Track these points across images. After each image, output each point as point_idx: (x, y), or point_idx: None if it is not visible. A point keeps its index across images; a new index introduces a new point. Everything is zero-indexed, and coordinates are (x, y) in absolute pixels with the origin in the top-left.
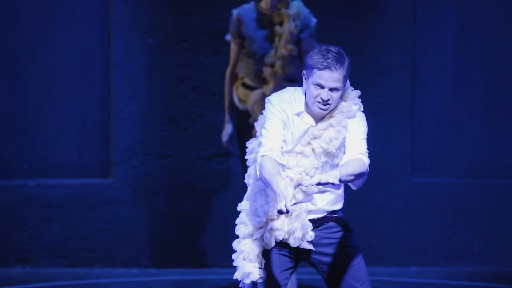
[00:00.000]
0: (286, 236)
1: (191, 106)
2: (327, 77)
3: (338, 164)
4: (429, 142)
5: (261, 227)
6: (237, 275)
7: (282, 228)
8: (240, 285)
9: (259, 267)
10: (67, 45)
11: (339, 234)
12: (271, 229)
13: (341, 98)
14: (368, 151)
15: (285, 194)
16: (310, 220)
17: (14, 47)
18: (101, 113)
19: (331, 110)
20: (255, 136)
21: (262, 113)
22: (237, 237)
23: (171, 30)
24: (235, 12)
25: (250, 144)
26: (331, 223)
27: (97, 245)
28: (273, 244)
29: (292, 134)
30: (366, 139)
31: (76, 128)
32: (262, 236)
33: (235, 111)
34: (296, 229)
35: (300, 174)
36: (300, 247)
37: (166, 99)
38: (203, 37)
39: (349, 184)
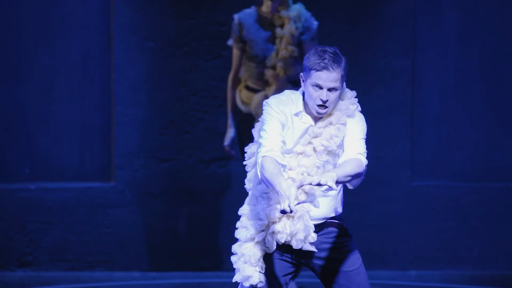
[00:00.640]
0: (289, 239)
1: (192, 110)
2: (325, 77)
3: None
4: (429, 146)
5: (262, 230)
6: (236, 278)
7: (284, 230)
8: None
9: (260, 271)
10: (68, 49)
11: (339, 239)
12: (273, 232)
13: (339, 97)
14: (366, 151)
15: (288, 194)
16: None
17: (15, 51)
18: (102, 117)
19: None
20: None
21: None
22: (238, 240)
23: (172, 34)
24: (236, 17)
25: (249, 149)
26: (330, 228)
27: (98, 249)
28: (275, 247)
29: (292, 135)
30: (365, 140)
31: (77, 132)
32: (264, 239)
33: (238, 115)
34: (298, 231)
35: (302, 174)
36: (303, 249)
37: (166, 103)
38: (204, 41)
39: (346, 183)
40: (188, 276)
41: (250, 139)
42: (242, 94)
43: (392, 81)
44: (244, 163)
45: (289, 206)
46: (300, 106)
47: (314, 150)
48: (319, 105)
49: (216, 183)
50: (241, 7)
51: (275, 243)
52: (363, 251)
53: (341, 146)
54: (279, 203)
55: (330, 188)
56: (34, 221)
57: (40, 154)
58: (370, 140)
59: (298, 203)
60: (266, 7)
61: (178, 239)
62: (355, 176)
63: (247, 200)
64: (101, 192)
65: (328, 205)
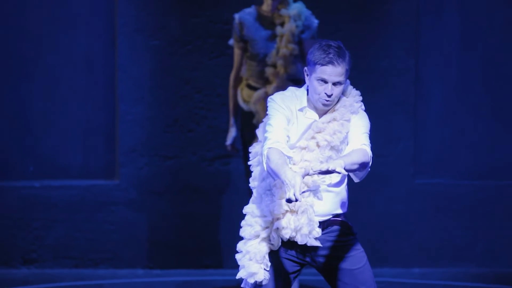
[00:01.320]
0: (293, 234)
1: (196, 108)
2: (330, 71)
3: None
4: (432, 144)
5: (267, 227)
6: (241, 274)
7: (288, 226)
8: (242, 285)
9: (265, 269)
10: (73, 48)
11: (343, 238)
12: (277, 229)
13: (343, 94)
14: (370, 145)
15: (294, 183)
16: None
17: (20, 50)
18: (106, 115)
19: (334, 105)
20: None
21: (265, 113)
22: (242, 239)
23: (176, 33)
24: (236, 16)
25: (253, 148)
26: (335, 227)
27: (102, 246)
28: (280, 244)
29: (296, 130)
30: (369, 135)
31: (82, 130)
32: (269, 236)
33: (240, 113)
34: (302, 226)
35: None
36: (308, 244)
37: (170, 101)
38: (208, 39)
39: (352, 176)
40: (192, 273)
41: (252, 137)
42: (243, 93)
43: (395, 80)
44: (249, 163)
45: (294, 195)
46: (305, 102)
47: (318, 145)
48: (324, 98)
49: (219, 181)
50: (245, 6)
51: (280, 240)
52: (366, 249)
53: (344, 142)
54: (283, 198)
55: (337, 175)
56: (39, 219)
57: (44, 152)
58: (373, 138)
59: (304, 191)
60: (266, 6)
61: (182, 237)
62: (361, 165)
63: (252, 198)
64: (105, 190)
65: (332, 200)
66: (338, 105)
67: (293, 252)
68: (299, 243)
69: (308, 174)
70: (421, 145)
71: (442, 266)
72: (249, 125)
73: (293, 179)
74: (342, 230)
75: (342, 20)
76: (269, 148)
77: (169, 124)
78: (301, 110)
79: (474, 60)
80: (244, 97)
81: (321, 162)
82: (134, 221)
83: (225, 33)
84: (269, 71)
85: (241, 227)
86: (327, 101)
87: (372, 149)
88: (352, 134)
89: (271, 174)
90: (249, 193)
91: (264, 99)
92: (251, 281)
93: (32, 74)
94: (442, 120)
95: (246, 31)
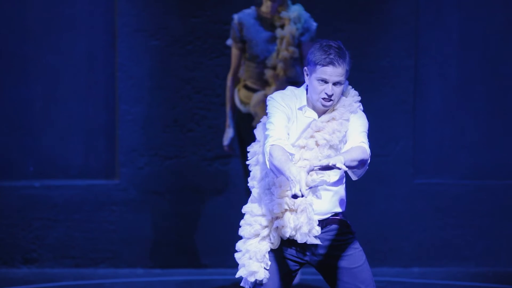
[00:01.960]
0: (293, 233)
1: (196, 108)
2: (331, 72)
3: None
4: (431, 144)
5: (266, 226)
6: (240, 273)
7: (288, 224)
8: (241, 284)
9: (265, 268)
10: (73, 47)
11: (342, 236)
12: (277, 228)
13: (342, 94)
14: (369, 143)
15: (299, 178)
16: None
17: (20, 50)
18: (107, 115)
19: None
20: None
21: (265, 115)
22: (241, 238)
23: (176, 33)
24: (236, 17)
25: (251, 148)
26: (333, 226)
27: (102, 246)
28: (279, 243)
29: (296, 129)
30: (367, 135)
31: (82, 130)
32: (269, 235)
33: (237, 114)
34: (302, 225)
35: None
36: (308, 243)
37: (170, 101)
38: (208, 39)
39: (350, 174)
40: (192, 273)
41: (250, 138)
42: (241, 94)
43: (395, 79)
44: (247, 162)
45: (300, 191)
46: (304, 101)
47: (317, 144)
48: (324, 99)
49: (219, 181)
50: (245, 6)
51: (279, 239)
52: (366, 248)
53: (343, 141)
54: (283, 197)
55: (337, 171)
56: (39, 218)
57: (44, 151)
58: (373, 138)
59: (310, 187)
60: (265, 8)
61: (182, 236)
62: (360, 162)
63: (251, 198)
64: (106, 189)
65: (331, 199)
66: (338, 104)
67: (293, 252)
68: (299, 241)
69: (313, 170)
70: (421, 145)
71: (442, 266)
72: (246, 126)
73: (298, 175)
74: (341, 229)
75: (342, 20)
76: (272, 145)
77: (169, 124)
78: (300, 109)
79: (474, 60)
80: (242, 98)
81: (320, 161)
82: (134, 221)
83: (225, 33)
84: (268, 73)
85: (240, 227)
86: (327, 101)
87: (371, 148)
88: (350, 132)
89: (274, 171)
90: (248, 193)
91: (264, 102)
92: (252, 279)
93: (33, 74)
94: (441, 119)
95: (246, 32)
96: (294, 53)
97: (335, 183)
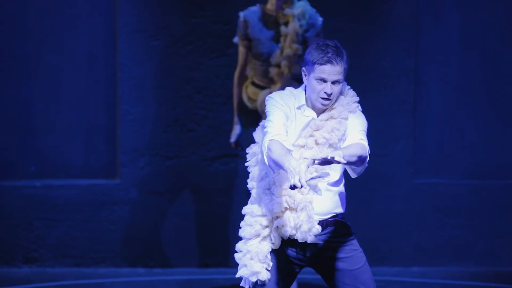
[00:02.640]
0: (293, 232)
1: (196, 108)
2: (329, 71)
3: None
4: (431, 144)
5: (267, 226)
6: (242, 273)
7: (288, 223)
8: (241, 284)
9: (267, 268)
10: (74, 48)
11: (342, 238)
12: (277, 227)
13: (340, 93)
14: (368, 141)
15: (298, 170)
16: None
17: (21, 50)
18: (107, 115)
19: (332, 103)
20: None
21: None
22: (242, 238)
23: (176, 33)
24: (241, 14)
25: (250, 149)
26: (334, 227)
27: (103, 245)
28: (280, 243)
29: (295, 128)
30: (366, 133)
31: (83, 130)
32: (269, 235)
33: (244, 112)
34: (302, 223)
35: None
36: (308, 241)
37: (171, 101)
38: (209, 39)
39: (349, 171)
40: (192, 272)
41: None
42: (248, 90)
43: (395, 79)
44: (246, 164)
45: (300, 181)
46: (303, 100)
47: (316, 142)
48: (323, 98)
49: (220, 181)
50: (245, 6)
51: (280, 239)
52: (366, 248)
53: (342, 139)
54: (283, 196)
55: (331, 172)
56: (40, 218)
57: (45, 151)
58: (373, 138)
59: (312, 178)
60: (270, 5)
61: (182, 236)
62: (359, 158)
63: (250, 199)
64: (106, 189)
65: (331, 199)
66: (336, 103)
67: (293, 253)
68: (299, 240)
69: (313, 164)
70: (421, 145)
71: (441, 265)
72: (254, 124)
73: (297, 167)
74: (341, 231)
75: (342, 19)
76: (270, 140)
77: (169, 124)
78: (299, 108)
79: (474, 60)
80: (250, 94)
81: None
82: (134, 220)
83: (226, 33)
84: (273, 71)
85: (240, 228)
86: (326, 100)
87: (371, 148)
88: (349, 131)
89: (272, 166)
90: (248, 193)
91: None
92: (253, 279)
93: (34, 74)
94: (441, 119)
95: (251, 30)
96: (298, 50)
97: (335, 183)
